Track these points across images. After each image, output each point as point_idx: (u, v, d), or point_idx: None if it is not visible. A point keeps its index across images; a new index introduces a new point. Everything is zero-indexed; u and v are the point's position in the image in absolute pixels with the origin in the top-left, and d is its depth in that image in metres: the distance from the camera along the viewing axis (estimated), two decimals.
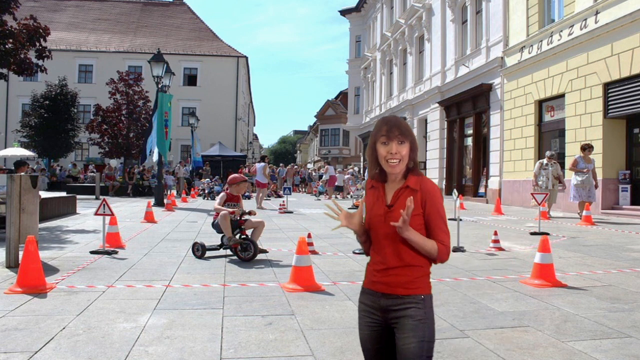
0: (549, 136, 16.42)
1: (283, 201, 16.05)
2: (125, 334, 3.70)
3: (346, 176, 24.22)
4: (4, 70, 12.98)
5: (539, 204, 9.73)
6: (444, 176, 23.70)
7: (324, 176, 24.94)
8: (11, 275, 5.66)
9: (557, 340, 3.57)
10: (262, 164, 17.50)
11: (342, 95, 54.68)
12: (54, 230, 10.08)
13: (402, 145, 1.92)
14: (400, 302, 1.91)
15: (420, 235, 1.89)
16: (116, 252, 7.30)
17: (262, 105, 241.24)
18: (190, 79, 45.21)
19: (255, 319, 4.08)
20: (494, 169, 19.08)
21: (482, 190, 20.36)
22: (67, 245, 8.04)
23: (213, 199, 21.44)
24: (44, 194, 12.66)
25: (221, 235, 7.05)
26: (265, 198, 18.85)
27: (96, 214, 7.31)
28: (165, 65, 17.63)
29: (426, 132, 26.13)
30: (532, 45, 16.69)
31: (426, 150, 26.19)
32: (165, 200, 16.82)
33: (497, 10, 18.97)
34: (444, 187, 23.63)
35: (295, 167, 34.83)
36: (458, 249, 7.53)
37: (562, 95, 15.16)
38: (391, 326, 1.93)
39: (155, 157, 18.13)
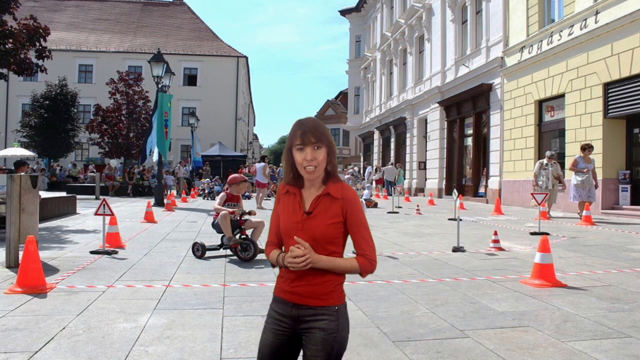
0: (549, 136, 16.42)
1: None
2: (125, 334, 3.70)
3: (346, 176, 24.24)
4: (4, 70, 12.98)
5: (539, 204, 9.73)
6: (444, 176, 23.71)
7: None
8: (11, 275, 5.66)
9: (557, 340, 3.57)
10: (262, 164, 17.50)
11: (342, 95, 54.73)
12: (54, 230, 10.08)
13: (318, 151, 1.84)
14: (312, 313, 1.85)
15: (333, 260, 1.84)
16: (116, 252, 7.30)
17: (262, 105, 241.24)
18: (190, 79, 45.21)
19: (255, 319, 4.08)
20: (494, 169, 19.08)
21: (482, 190, 20.37)
22: (67, 245, 8.04)
23: (213, 199, 21.45)
24: (44, 194, 12.66)
25: (221, 235, 7.05)
26: (265, 198, 18.84)
27: (96, 214, 7.31)
28: (165, 65, 17.63)
29: (426, 132, 26.13)
30: (532, 45, 16.69)
31: (426, 150, 26.19)
32: (165, 200, 16.82)
33: (497, 10, 18.97)
34: (444, 187, 23.65)
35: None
36: (458, 249, 7.53)
37: (562, 95, 15.16)
38: (300, 335, 1.89)
39: (155, 157, 18.12)
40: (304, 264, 1.78)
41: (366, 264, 1.88)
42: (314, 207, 1.87)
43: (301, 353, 1.93)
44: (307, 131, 1.84)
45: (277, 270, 1.99)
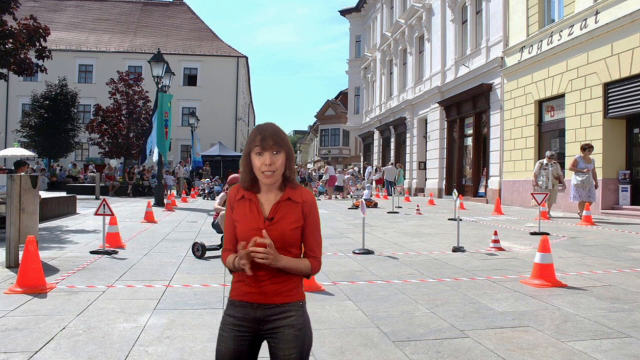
0: (549, 136, 16.42)
1: None
2: (125, 334, 3.70)
3: (346, 176, 24.23)
4: (4, 70, 12.98)
5: (539, 204, 9.73)
6: (444, 176, 23.71)
7: (324, 176, 24.96)
8: (11, 275, 5.66)
9: (557, 340, 3.57)
10: None
11: (342, 95, 54.69)
12: (54, 230, 10.08)
13: (277, 156, 1.85)
14: (279, 311, 1.86)
15: (293, 260, 1.86)
16: (116, 252, 7.30)
17: (262, 105, 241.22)
18: (190, 79, 45.20)
19: None
20: (494, 169, 19.08)
21: (482, 190, 20.36)
22: (67, 245, 8.04)
23: (213, 199, 21.45)
24: (44, 194, 12.66)
25: (221, 235, 7.06)
26: None
27: (96, 214, 7.31)
28: (165, 65, 17.63)
29: (426, 132, 26.13)
30: (532, 45, 16.69)
31: (426, 150, 26.19)
32: (165, 200, 16.82)
33: (497, 10, 18.97)
34: (444, 187, 23.65)
35: (295, 167, 34.73)
36: (458, 249, 7.53)
37: (562, 95, 15.16)
38: (264, 337, 1.89)
39: (155, 157, 18.13)
40: (264, 256, 1.76)
41: (316, 266, 1.92)
42: (275, 212, 1.88)
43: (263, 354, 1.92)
44: (266, 136, 1.84)
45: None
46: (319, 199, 22.68)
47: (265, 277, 1.86)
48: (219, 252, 7.27)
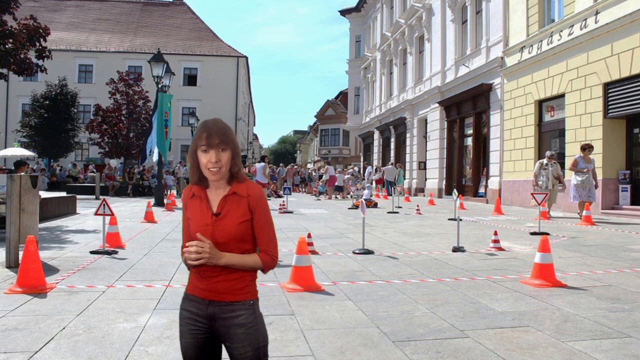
0: (549, 136, 16.42)
1: (283, 201, 16.05)
2: (125, 334, 3.71)
3: (346, 176, 24.22)
4: (4, 70, 12.98)
5: (539, 204, 9.73)
6: (444, 176, 23.71)
7: (324, 176, 24.95)
8: (11, 275, 5.66)
9: (557, 340, 3.57)
10: (262, 164, 17.50)
11: (342, 95, 54.69)
12: (54, 230, 10.08)
13: (223, 153, 1.85)
14: (230, 309, 1.86)
15: (237, 257, 1.86)
16: (116, 252, 7.30)
17: (262, 105, 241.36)
18: (190, 79, 45.21)
19: None
20: (494, 169, 19.08)
21: (482, 190, 20.36)
22: (67, 245, 8.04)
23: None
24: (44, 194, 12.66)
25: None
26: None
27: (96, 214, 7.31)
28: (165, 65, 17.63)
29: (426, 132, 26.14)
30: (532, 45, 16.69)
31: (426, 150, 26.20)
32: (165, 200, 16.82)
33: (497, 10, 18.97)
34: (444, 187, 23.65)
35: (295, 167, 34.82)
36: (458, 249, 7.53)
37: (562, 95, 15.16)
38: (218, 334, 1.89)
39: (155, 157, 18.12)
40: (197, 256, 1.78)
41: (269, 261, 1.92)
42: (222, 207, 1.89)
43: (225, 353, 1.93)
44: (212, 133, 1.84)
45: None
46: (319, 199, 22.68)
47: (217, 274, 1.86)
48: None
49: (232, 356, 1.87)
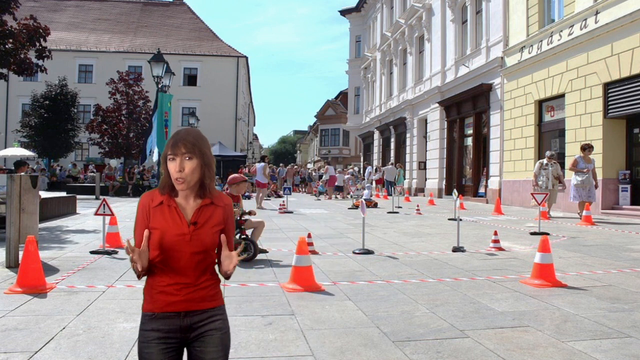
0: (549, 136, 16.42)
1: (283, 201, 16.05)
2: (125, 334, 3.70)
3: (346, 176, 24.22)
4: (4, 70, 12.98)
5: (539, 204, 9.73)
6: (444, 176, 23.71)
7: (324, 176, 24.95)
8: (11, 275, 5.66)
9: (557, 340, 3.57)
10: (262, 164, 17.50)
11: (342, 95, 54.69)
12: (54, 230, 10.08)
13: (188, 161, 1.82)
14: (206, 317, 1.87)
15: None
16: (116, 252, 7.30)
17: (262, 105, 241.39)
18: (190, 79, 45.20)
19: (255, 319, 4.08)
20: (494, 169, 19.08)
21: (482, 190, 20.37)
22: (67, 245, 8.04)
23: None
24: (44, 194, 12.66)
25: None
26: (265, 198, 18.85)
27: (96, 214, 7.32)
28: (165, 65, 17.61)
29: (426, 132, 26.14)
30: (532, 45, 16.69)
31: (426, 150, 26.20)
32: None
33: (497, 10, 18.97)
34: (444, 187, 23.65)
35: (295, 167, 34.82)
36: (458, 249, 7.53)
37: (562, 95, 15.16)
38: (190, 343, 1.87)
39: (155, 157, 18.08)
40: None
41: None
42: (198, 216, 1.87)
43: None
44: (178, 142, 1.82)
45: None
46: (319, 199, 22.68)
47: (193, 284, 1.86)
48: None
49: None
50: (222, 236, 1.89)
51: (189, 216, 1.87)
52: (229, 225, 1.95)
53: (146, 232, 1.80)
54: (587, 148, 11.75)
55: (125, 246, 1.76)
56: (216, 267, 1.95)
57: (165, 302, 1.87)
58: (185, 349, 1.91)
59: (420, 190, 26.50)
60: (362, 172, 33.31)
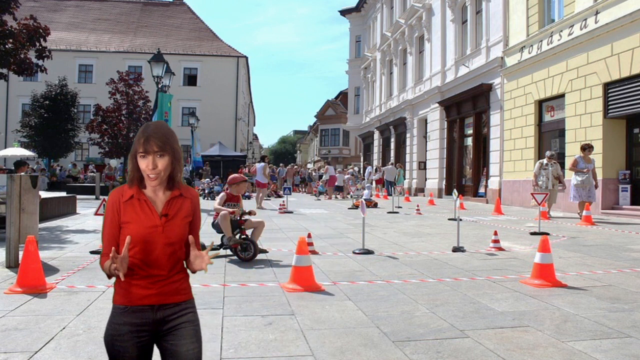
0: (549, 136, 16.43)
1: (283, 201, 16.05)
2: None
3: (346, 176, 24.23)
4: (4, 70, 12.98)
5: (539, 204, 9.73)
6: (444, 176, 23.71)
7: (324, 176, 24.95)
8: (11, 275, 5.66)
9: (557, 340, 3.57)
10: (262, 164, 17.50)
11: (342, 95, 54.70)
12: (54, 230, 10.08)
13: (160, 159, 1.84)
14: (179, 309, 1.89)
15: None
16: None
17: (262, 105, 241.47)
18: (190, 79, 45.20)
19: (255, 319, 4.08)
20: (494, 169, 19.09)
21: (482, 190, 20.37)
22: (67, 245, 8.04)
23: (213, 199, 21.44)
24: (44, 194, 12.66)
25: (221, 235, 7.05)
26: (265, 198, 18.85)
27: (96, 214, 7.32)
28: (165, 65, 17.60)
29: (426, 132, 26.14)
30: (532, 45, 16.69)
31: (426, 150, 26.20)
32: None
33: (497, 10, 18.97)
34: (444, 187, 23.65)
35: (295, 167, 34.82)
36: (458, 249, 7.53)
37: (562, 95, 15.16)
38: (162, 336, 1.88)
39: None
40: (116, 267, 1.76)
41: None
42: (168, 208, 1.90)
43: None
44: (149, 139, 1.84)
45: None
46: (319, 199, 22.68)
47: (165, 277, 1.88)
48: (219, 252, 7.27)
49: (178, 354, 1.85)
50: (190, 237, 1.89)
51: (160, 208, 1.90)
52: (196, 216, 1.98)
53: (128, 238, 1.79)
54: (587, 148, 11.75)
55: (112, 255, 1.75)
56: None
57: (139, 295, 1.88)
58: (155, 346, 1.91)
59: (420, 190, 26.51)
60: (362, 172, 33.31)
